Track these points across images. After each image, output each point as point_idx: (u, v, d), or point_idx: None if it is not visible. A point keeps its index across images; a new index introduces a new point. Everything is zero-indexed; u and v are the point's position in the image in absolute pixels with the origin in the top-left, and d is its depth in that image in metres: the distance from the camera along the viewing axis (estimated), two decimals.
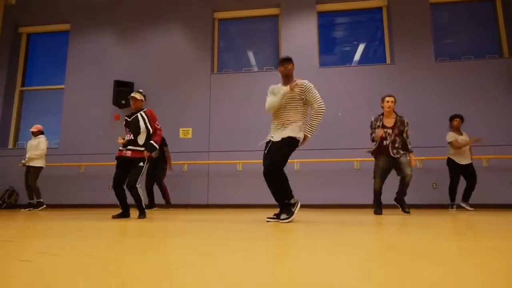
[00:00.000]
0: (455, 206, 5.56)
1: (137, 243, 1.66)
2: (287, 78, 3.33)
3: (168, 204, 6.18)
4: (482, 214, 4.38)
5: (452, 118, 5.67)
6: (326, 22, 7.70)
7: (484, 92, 6.61)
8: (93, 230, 2.37)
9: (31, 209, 6.16)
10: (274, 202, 6.61)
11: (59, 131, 7.74)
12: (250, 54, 7.87)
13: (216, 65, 7.76)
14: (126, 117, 3.95)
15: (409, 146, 4.37)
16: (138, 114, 3.91)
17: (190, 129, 7.27)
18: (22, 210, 6.18)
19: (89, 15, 8.07)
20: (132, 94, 3.94)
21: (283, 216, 3.05)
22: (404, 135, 4.38)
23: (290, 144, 3.15)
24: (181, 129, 7.29)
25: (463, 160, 5.49)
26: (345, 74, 7.09)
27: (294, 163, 6.73)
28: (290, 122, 3.18)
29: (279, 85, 3.36)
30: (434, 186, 6.37)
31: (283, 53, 7.31)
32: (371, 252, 1.36)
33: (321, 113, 3.19)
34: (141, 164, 3.74)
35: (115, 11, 7.99)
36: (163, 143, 6.02)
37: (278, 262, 1.17)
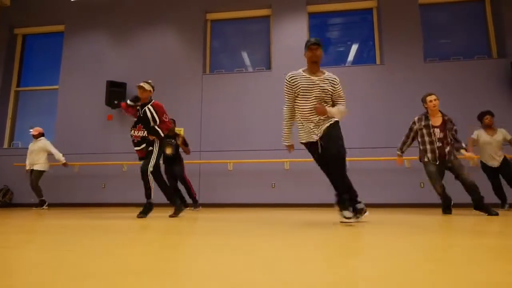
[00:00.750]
0: (507, 206, 5.10)
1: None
2: (316, 65, 2.89)
3: (195, 204, 5.69)
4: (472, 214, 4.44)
5: (482, 116, 5.19)
6: (317, 23, 7.77)
7: (474, 92, 6.66)
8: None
9: (44, 207, 6.36)
10: (264, 201, 6.68)
11: (53, 131, 7.83)
12: (242, 55, 7.95)
13: (209, 66, 7.84)
14: (138, 112, 3.81)
15: (461, 143, 4.02)
16: (146, 108, 3.78)
17: (182, 129, 7.34)
18: (34, 208, 6.35)
19: (83, 16, 8.16)
20: (141, 84, 3.78)
21: (348, 214, 2.69)
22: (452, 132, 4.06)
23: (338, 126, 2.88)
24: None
25: (491, 162, 5.04)
26: (336, 74, 7.12)
27: (284, 163, 6.81)
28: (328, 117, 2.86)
29: (300, 70, 2.94)
30: (422, 186, 6.42)
31: (274, 54, 7.39)
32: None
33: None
34: (151, 148, 3.73)
35: (108, 13, 8.08)
36: (183, 143, 5.57)
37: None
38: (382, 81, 6.95)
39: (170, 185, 5.33)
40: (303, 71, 2.92)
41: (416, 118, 4.19)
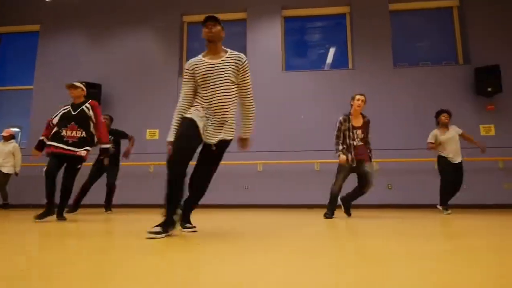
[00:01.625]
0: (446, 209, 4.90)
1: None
2: (214, 45, 2.34)
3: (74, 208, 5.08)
4: (433, 214, 4.64)
5: (438, 114, 5.19)
6: (292, 26, 7.91)
7: (440, 97, 6.89)
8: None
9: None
10: (240, 202, 6.77)
11: (26, 131, 7.78)
12: None
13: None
14: (66, 111, 3.57)
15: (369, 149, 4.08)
16: (83, 107, 3.60)
17: (157, 130, 7.41)
18: None
19: (59, 17, 8.12)
20: (71, 83, 3.65)
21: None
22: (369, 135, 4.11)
23: None
24: (148, 130, 7.41)
25: (456, 158, 4.97)
26: (309, 78, 7.31)
27: (257, 164, 6.93)
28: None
29: (200, 57, 2.38)
30: (390, 187, 6.63)
31: (249, 57, 7.49)
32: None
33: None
34: (79, 166, 3.60)
35: (84, 14, 8.06)
36: (120, 136, 5.43)
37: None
38: (353, 85, 7.12)
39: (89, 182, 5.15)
40: (203, 55, 2.37)
41: (341, 118, 4.09)
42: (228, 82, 2.29)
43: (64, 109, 3.67)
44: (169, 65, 7.64)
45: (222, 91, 2.27)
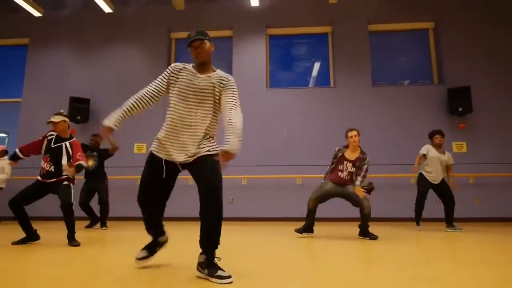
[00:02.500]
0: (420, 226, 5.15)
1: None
2: (204, 67, 2.22)
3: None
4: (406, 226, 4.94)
5: (432, 135, 5.32)
6: (277, 45, 8.20)
7: (416, 115, 7.25)
8: None
9: None
10: (225, 215, 7.00)
11: (14, 141, 7.88)
12: None
13: None
14: (49, 139, 3.63)
15: (358, 181, 4.14)
16: (63, 144, 3.61)
17: (145, 144, 7.60)
18: None
19: (47, 31, 8.25)
20: (51, 118, 3.61)
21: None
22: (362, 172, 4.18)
23: None
24: (135, 144, 7.60)
25: (436, 178, 5.12)
26: (292, 95, 7.60)
27: (242, 179, 7.18)
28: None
29: (191, 65, 2.27)
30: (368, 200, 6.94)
31: (235, 73, 7.75)
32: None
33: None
34: (66, 183, 3.58)
35: (73, 28, 8.21)
36: (106, 156, 5.63)
37: None
38: (333, 103, 7.45)
39: (84, 202, 5.43)
40: (193, 66, 2.25)
41: (336, 149, 4.43)
42: (210, 99, 2.16)
43: (50, 136, 3.70)
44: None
45: (201, 106, 2.15)
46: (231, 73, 7.92)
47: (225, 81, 2.19)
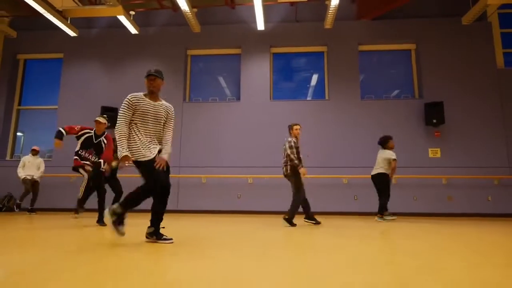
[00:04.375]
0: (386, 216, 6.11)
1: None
2: (154, 95, 3.13)
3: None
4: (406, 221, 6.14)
5: (388, 139, 6.24)
6: (279, 62, 9.40)
7: (398, 126, 8.45)
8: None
9: (33, 213, 7.62)
10: (231, 209, 8.19)
11: (51, 145, 9.10)
12: (217, 86, 9.49)
13: (188, 95, 9.34)
14: (89, 135, 4.92)
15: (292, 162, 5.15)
16: (101, 139, 4.96)
17: None
18: (28, 213, 7.55)
19: (79, 48, 9.48)
20: (97, 118, 4.90)
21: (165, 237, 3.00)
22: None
23: None
24: None
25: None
26: (292, 106, 8.80)
27: (247, 178, 8.40)
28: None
29: (141, 94, 3.07)
30: (356, 198, 8.16)
31: (242, 87, 8.97)
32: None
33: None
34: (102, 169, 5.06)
35: (101, 46, 9.44)
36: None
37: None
38: (328, 114, 8.65)
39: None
40: (144, 95, 3.09)
41: (293, 142, 5.48)
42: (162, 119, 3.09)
43: (88, 133, 5.00)
44: (175, 92, 9.06)
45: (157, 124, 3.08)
46: (239, 87, 9.20)
47: (170, 110, 3.21)
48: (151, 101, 3.07)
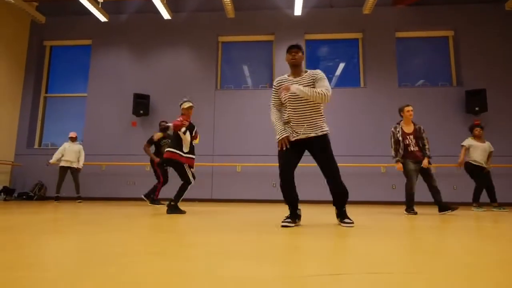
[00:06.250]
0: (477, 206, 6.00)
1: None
2: (297, 68, 2.98)
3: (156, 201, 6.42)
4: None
5: (472, 128, 6.21)
6: (313, 48, 9.21)
7: (436, 113, 8.27)
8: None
9: (81, 201, 7.49)
10: (268, 198, 8.09)
11: (79, 134, 8.96)
12: (248, 73, 9.31)
13: (219, 82, 9.17)
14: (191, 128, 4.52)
15: (426, 152, 4.77)
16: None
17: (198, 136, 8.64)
18: (77, 202, 7.36)
19: (108, 34, 9.28)
20: (191, 104, 4.57)
21: (348, 220, 2.91)
22: (424, 141, 4.83)
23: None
24: None
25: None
26: None
27: (236, 166, 8.25)
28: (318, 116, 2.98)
29: (286, 76, 3.05)
30: (394, 187, 8.02)
31: (277, 75, 8.78)
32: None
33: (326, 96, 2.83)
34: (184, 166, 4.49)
35: (131, 32, 9.24)
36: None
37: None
38: (364, 101, 8.48)
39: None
40: (288, 75, 3.04)
41: (392, 128, 5.03)
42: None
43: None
44: (206, 80, 8.89)
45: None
46: (272, 74, 8.98)
47: (316, 74, 2.95)
48: (293, 78, 2.98)
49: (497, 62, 8.34)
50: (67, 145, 7.59)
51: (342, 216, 3.00)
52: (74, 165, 7.54)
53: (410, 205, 4.82)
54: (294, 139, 2.95)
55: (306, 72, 2.98)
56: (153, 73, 9.02)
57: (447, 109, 8.30)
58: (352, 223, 2.87)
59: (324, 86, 2.84)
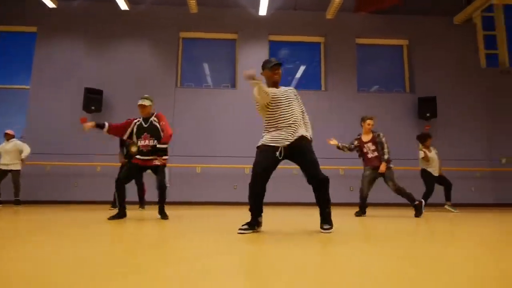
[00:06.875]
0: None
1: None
2: (276, 85, 2.97)
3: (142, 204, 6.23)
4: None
5: (426, 138, 6.52)
6: (276, 50, 9.18)
7: (391, 118, 8.64)
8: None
9: (19, 205, 6.70)
10: (229, 200, 7.94)
11: (19, 130, 8.10)
12: (209, 72, 9.05)
13: (180, 80, 8.80)
14: (138, 124, 4.05)
15: (383, 157, 4.91)
16: (151, 120, 4.07)
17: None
18: (15, 206, 6.58)
19: (57, 21, 8.50)
20: (140, 102, 4.07)
21: (327, 226, 2.83)
22: (382, 145, 4.97)
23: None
24: None
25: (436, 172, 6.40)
26: None
27: (244, 168, 8.11)
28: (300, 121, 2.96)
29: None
30: (351, 189, 8.23)
31: (239, 75, 8.63)
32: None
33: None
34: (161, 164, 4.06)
35: (83, 21, 8.55)
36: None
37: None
38: (325, 105, 8.62)
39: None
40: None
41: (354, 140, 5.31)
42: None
43: (137, 121, 4.12)
44: (166, 77, 8.48)
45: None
46: (235, 74, 8.82)
47: (295, 91, 3.10)
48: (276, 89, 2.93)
49: (447, 72, 8.92)
50: (2, 147, 6.78)
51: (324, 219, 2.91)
52: (12, 167, 6.77)
53: (361, 206, 5.07)
54: (282, 145, 2.81)
55: (279, 87, 2.97)
56: (107, 67, 8.42)
57: (401, 114, 8.70)
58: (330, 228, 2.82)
59: (305, 111, 3.16)
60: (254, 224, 2.78)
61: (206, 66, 9.07)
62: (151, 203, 6.39)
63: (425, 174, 6.54)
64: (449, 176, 8.36)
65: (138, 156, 4.01)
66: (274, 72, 2.89)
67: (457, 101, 8.79)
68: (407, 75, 9.18)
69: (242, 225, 2.74)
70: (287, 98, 2.88)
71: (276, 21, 8.86)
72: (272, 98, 2.81)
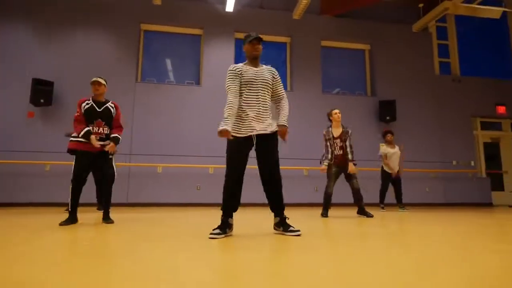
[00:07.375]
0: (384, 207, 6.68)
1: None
2: (256, 61, 2.80)
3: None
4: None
5: (385, 134, 6.73)
6: (241, 48, 9.02)
7: (354, 120, 8.83)
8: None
9: None
10: (191, 201, 7.63)
11: None
12: (171, 67, 8.66)
13: (140, 74, 8.32)
14: (90, 107, 3.56)
15: (349, 156, 4.84)
16: (108, 105, 3.66)
17: None
18: None
19: (1, 4, 7.66)
20: (95, 79, 3.62)
21: (292, 228, 2.69)
22: (347, 143, 4.88)
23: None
24: None
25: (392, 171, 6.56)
26: None
27: (208, 168, 7.85)
28: (268, 111, 2.79)
29: (241, 64, 2.77)
30: (316, 190, 8.28)
31: (204, 72, 8.35)
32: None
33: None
34: (111, 156, 3.75)
35: (31, 5, 7.78)
36: None
37: None
38: (290, 105, 8.58)
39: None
40: (245, 64, 2.79)
41: (324, 131, 5.15)
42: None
43: (87, 104, 3.59)
44: (125, 70, 7.97)
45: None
46: (199, 70, 8.53)
47: (275, 73, 2.93)
48: (254, 67, 2.78)
49: (405, 77, 9.31)
50: None
51: (285, 225, 2.75)
52: None
53: (325, 207, 4.93)
54: (247, 134, 2.69)
55: (261, 65, 2.85)
56: (59, 57, 7.73)
57: (362, 117, 8.93)
58: (299, 231, 2.66)
59: (284, 96, 2.97)
60: (225, 228, 2.59)
61: (169, 62, 8.67)
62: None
63: (382, 171, 6.83)
64: (407, 177, 8.77)
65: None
66: (253, 47, 2.75)
67: (414, 105, 9.21)
68: (369, 79, 9.46)
69: (213, 229, 2.55)
70: (261, 80, 2.74)
71: (242, 19, 8.70)
72: (244, 79, 2.69)
